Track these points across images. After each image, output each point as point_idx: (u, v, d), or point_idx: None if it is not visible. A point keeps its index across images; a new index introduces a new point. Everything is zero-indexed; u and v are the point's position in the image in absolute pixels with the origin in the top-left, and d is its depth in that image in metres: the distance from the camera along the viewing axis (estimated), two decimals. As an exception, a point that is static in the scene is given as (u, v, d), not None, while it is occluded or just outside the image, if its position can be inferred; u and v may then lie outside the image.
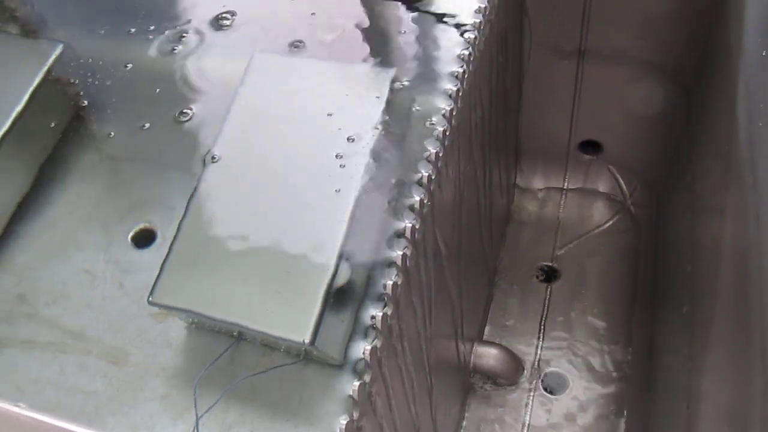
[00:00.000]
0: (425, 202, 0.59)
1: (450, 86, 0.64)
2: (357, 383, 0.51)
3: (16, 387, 0.54)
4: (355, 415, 0.50)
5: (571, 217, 1.23)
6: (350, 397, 0.50)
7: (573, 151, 1.20)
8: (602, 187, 1.23)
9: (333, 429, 0.50)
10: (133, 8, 0.75)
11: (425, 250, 0.62)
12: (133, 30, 0.73)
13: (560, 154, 1.21)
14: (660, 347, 0.97)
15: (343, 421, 0.49)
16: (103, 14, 0.75)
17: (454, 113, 0.64)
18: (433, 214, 0.62)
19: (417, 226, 0.57)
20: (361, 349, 0.52)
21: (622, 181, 1.21)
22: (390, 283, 0.54)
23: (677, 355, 0.82)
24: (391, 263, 0.55)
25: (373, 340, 0.52)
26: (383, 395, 0.57)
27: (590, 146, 1.19)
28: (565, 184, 1.24)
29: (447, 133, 0.62)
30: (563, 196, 1.24)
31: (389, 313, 0.54)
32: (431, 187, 0.60)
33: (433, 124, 0.62)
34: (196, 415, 0.51)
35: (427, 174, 0.59)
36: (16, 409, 0.48)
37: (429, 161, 0.60)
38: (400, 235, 0.56)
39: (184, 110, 0.66)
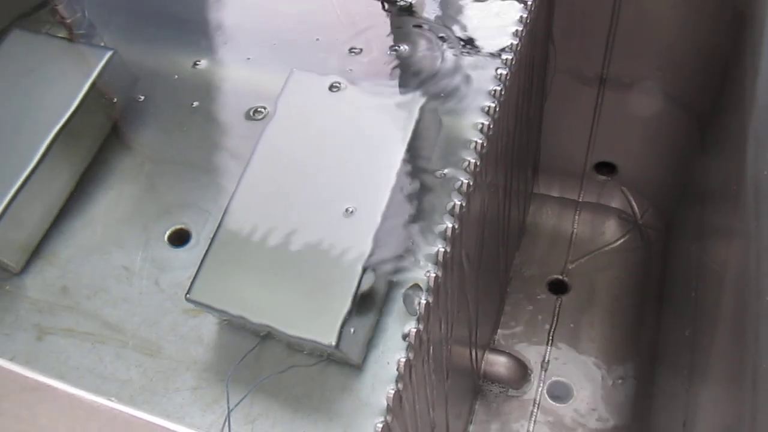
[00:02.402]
0: (455, 228, 0.60)
1: (481, 120, 0.64)
2: (392, 391, 0.53)
3: (57, 373, 0.56)
4: (389, 419, 0.52)
5: (583, 234, 1.23)
6: (387, 405, 0.52)
7: (589, 170, 1.20)
8: (615, 207, 1.23)
9: (354, 426, 0.52)
10: (182, 18, 0.78)
11: (452, 267, 0.63)
12: (180, 40, 0.76)
13: (576, 173, 1.20)
14: (662, 365, 0.98)
15: (380, 424, 0.52)
16: (150, 21, 0.78)
17: (484, 146, 0.64)
18: (462, 236, 0.63)
19: (448, 251, 0.58)
20: (383, 355, 0.54)
21: (634, 203, 1.21)
22: (423, 302, 0.56)
23: (678, 375, 0.83)
24: (428, 288, 0.56)
25: (407, 354, 0.54)
26: (410, 400, 0.58)
27: (606, 167, 1.19)
28: (580, 201, 1.25)
29: (477, 164, 0.63)
30: (577, 213, 1.24)
31: (421, 329, 0.56)
32: (461, 214, 0.61)
33: (463, 156, 0.62)
34: (228, 408, 0.53)
35: (459, 203, 0.60)
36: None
37: (461, 192, 0.61)
38: (431, 259, 0.57)
39: (244, 118, 0.68)
